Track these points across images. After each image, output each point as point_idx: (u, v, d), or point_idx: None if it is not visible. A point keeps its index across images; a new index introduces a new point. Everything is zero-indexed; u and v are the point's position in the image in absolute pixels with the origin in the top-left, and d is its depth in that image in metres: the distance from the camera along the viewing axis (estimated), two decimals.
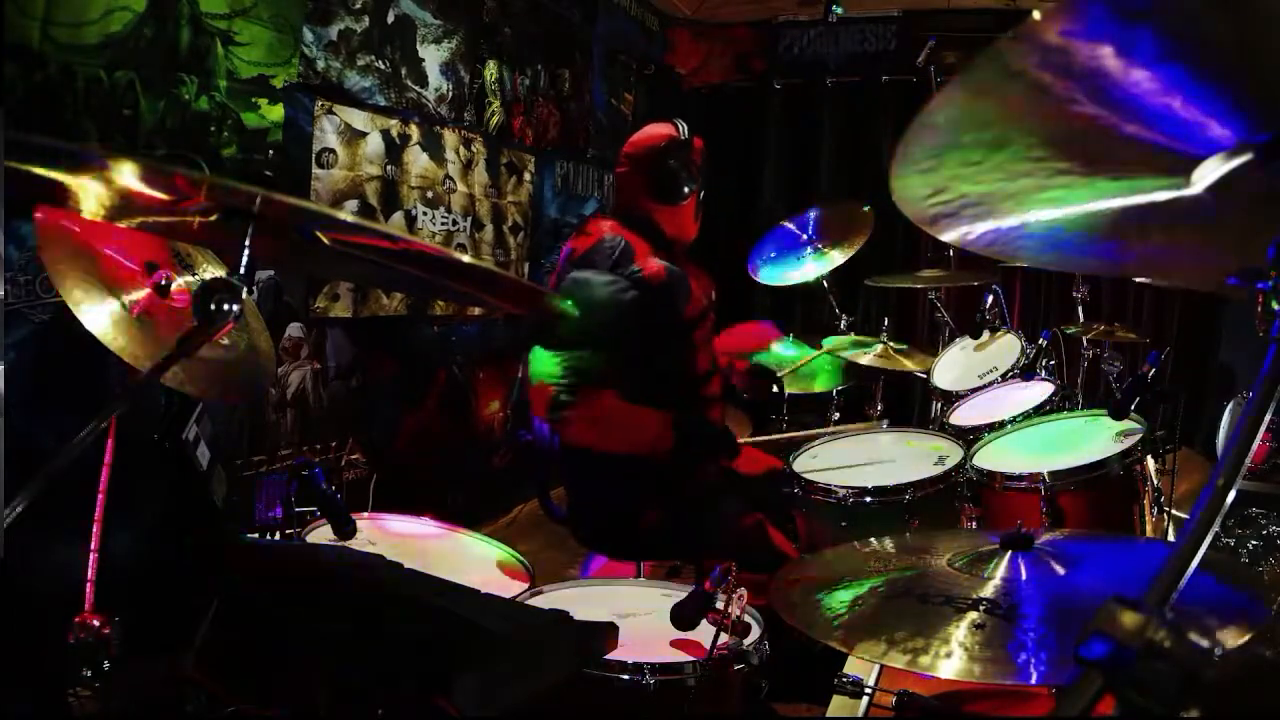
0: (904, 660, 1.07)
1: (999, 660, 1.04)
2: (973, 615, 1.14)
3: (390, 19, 3.55)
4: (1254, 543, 3.10)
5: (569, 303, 2.33)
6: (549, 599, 1.75)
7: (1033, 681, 1.01)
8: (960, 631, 1.10)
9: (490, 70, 4.19)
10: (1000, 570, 1.28)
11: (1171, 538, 2.46)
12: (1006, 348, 3.29)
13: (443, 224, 3.96)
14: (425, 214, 3.85)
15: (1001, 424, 2.77)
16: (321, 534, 1.86)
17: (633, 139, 2.56)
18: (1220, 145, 0.66)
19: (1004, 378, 3.13)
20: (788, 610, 1.28)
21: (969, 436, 2.76)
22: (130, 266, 1.67)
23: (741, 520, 2.33)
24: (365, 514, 2.02)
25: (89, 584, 1.53)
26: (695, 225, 2.58)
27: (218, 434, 2.58)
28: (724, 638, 1.46)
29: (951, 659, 1.05)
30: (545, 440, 2.64)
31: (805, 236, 3.79)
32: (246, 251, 1.04)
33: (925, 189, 0.77)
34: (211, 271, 1.83)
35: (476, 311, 4.13)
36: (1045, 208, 0.79)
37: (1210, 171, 0.69)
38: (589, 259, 2.37)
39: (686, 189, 2.47)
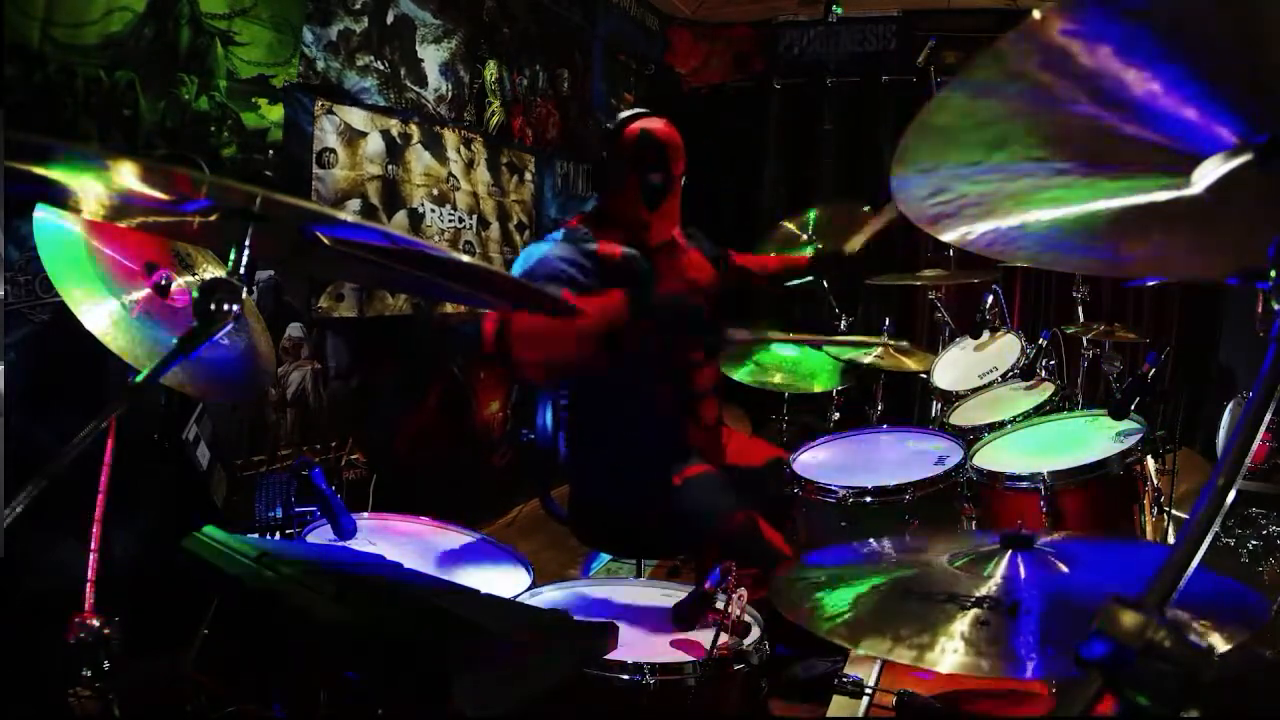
0: (909, 656, 1.07)
1: (1004, 655, 1.04)
2: (976, 613, 1.14)
3: (390, 19, 3.55)
4: (1254, 543, 3.10)
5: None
6: (549, 599, 1.75)
7: (1037, 676, 1.01)
8: (964, 627, 1.10)
9: (490, 70, 4.19)
10: (1001, 569, 1.28)
11: (1171, 538, 2.46)
12: (1006, 348, 3.29)
13: (450, 221, 3.97)
14: (433, 211, 3.85)
15: (1001, 424, 2.77)
16: (321, 534, 1.86)
17: None
18: (1220, 145, 0.66)
19: (1004, 378, 3.13)
20: (788, 610, 1.28)
21: (969, 436, 2.76)
22: (130, 266, 1.67)
23: (733, 516, 2.30)
24: (365, 514, 2.01)
25: (89, 584, 1.53)
26: (652, 214, 2.46)
27: (218, 434, 2.58)
28: (724, 638, 1.46)
29: (957, 654, 1.06)
30: (547, 439, 2.64)
31: (805, 237, 3.79)
32: (246, 251, 1.04)
33: (925, 189, 0.77)
34: (211, 271, 1.83)
35: (485, 312, 4.12)
36: (1045, 208, 0.79)
37: (1210, 171, 0.68)
38: (551, 236, 2.48)
39: (615, 175, 2.46)
